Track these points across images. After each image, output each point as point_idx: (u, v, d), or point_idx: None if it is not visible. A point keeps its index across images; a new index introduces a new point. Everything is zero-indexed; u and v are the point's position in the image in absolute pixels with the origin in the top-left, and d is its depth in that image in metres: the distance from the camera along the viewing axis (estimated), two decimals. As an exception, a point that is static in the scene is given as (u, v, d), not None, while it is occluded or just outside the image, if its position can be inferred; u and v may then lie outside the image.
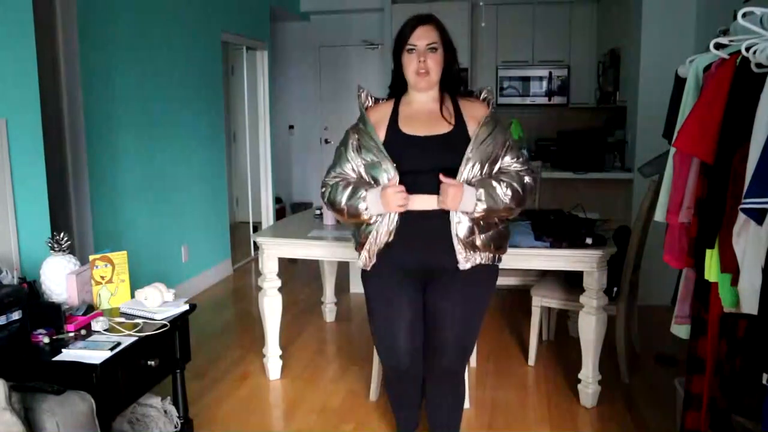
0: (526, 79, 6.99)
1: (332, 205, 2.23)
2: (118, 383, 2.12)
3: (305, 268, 5.57)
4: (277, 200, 7.08)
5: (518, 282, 4.66)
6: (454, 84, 2.25)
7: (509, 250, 2.87)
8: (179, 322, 2.45)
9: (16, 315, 2.10)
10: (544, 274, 3.66)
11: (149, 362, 2.26)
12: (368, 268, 2.26)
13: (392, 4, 6.72)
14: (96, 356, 2.04)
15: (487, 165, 2.13)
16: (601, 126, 6.36)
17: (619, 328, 3.29)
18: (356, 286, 4.70)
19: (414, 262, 2.21)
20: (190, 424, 2.67)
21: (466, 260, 2.16)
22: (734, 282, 1.82)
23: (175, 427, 2.54)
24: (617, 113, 5.77)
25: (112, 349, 2.08)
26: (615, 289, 3.21)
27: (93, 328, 2.26)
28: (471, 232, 2.13)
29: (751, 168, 1.69)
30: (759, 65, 1.80)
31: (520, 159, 2.21)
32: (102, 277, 2.48)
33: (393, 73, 2.27)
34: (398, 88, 2.28)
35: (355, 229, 2.31)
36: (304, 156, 7.89)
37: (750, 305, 1.74)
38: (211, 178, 5.25)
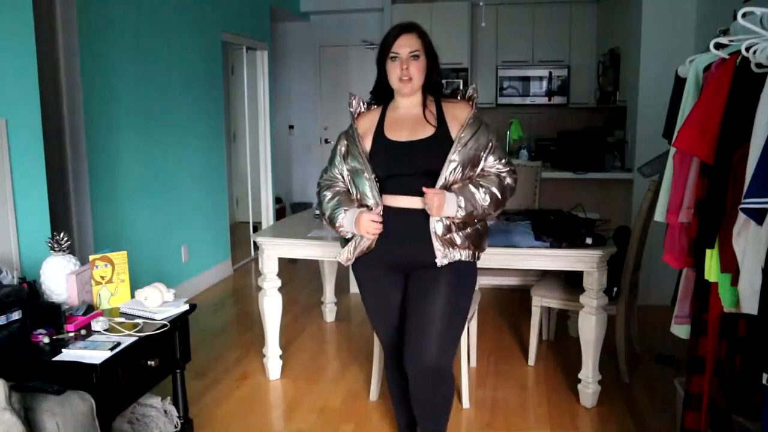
0: (526, 79, 6.99)
1: (320, 207, 2.42)
2: (118, 383, 2.12)
3: (305, 268, 5.57)
4: (277, 200, 7.08)
5: (518, 282, 4.68)
6: (435, 89, 2.34)
7: (510, 250, 2.90)
8: (179, 322, 2.45)
9: (16, 315, 2.10)
10: (544, 274, 3.66)
11: (149, 362, 2.26)
12: (348, 264, 2.39)
13: (392, 4, 6.72)
14: (96, 356, 2.04)
15: (469, 167, 2.23)
16: (601, 126, 6.37)
17: (619, 328, 3.29)
18: (356, 286, 4.69)
19: (394, 258, 2.30)
20: (190, 424, 2.67)
21: (443, 256, 2.23)
22: (734, 282, 1.82)
23: (175, 427, 2.54)
24: (617, 113, 5.77)
25: (112, 349, 2.08)
26: (615, 289, 3.21)
27: (93, 328, 2.26)
28: (448, 229, 2.23)
29: (751, 168, 1.70)
30: (759, 65, 1.80)
31: (503, 160, 2.31)
32: (102, 277, 2.48)
33: (377, 80, 2.36)
34: (385, 94, 2.37)
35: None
36: (304, 156, 7.90)
37: (750, 305, 1.74)
38: (211, 178, 5.25)
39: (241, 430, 2.91)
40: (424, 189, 2.16)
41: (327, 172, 2.42)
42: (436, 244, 2.22)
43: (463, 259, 2.26)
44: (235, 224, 6.99)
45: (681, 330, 2.26)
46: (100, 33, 3.78)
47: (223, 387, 3.32)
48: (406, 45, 2.24)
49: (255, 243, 3.55)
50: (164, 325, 2.33)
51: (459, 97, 2.35)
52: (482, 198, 2.22)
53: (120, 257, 2.53)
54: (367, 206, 2.27)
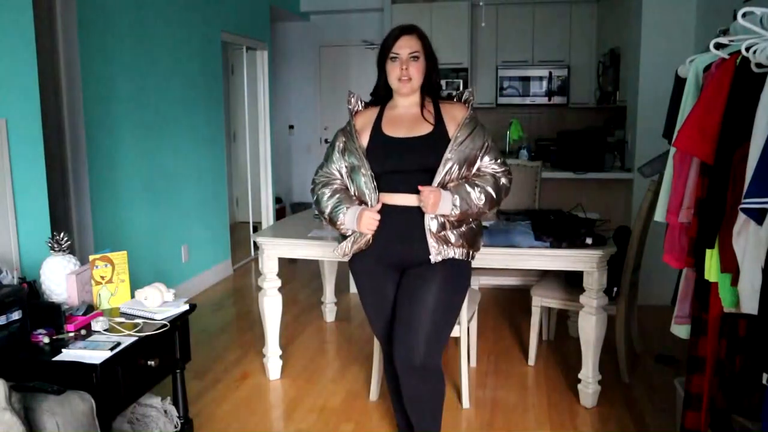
0: (526, 79, 6.99)
1: (317, 205, 2.41)
2: (118, 383, 2.12)
3: (305, 268, 5.57)
4: (277, 200, 7.08)
5: (518, 282, 4.67)
6: (434, 90, 2.37)
7: (510, 250, 2.90)
8: (179, 322, 2.45)
9: (16, 315, 2.10)
10: (544, 274, 3.66)
11: (149, 362, 2.26)
12: (345, 258, 2.41)
13: (392, 4, 6.72)
14: (96, 356, 2.04)
15: (465, 166, 2.25)
16: (601, 126, 6.36)
17: (619, 328, 3.29)
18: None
19: (390, 254, 2.31)
20: (190, 424, 2.68)
21: (437, 253, 2.26)
22: (734, 282, 1.82)
23: (175, 427, 2.54)
24: (617, 113, 5.76)
25: (112, 349, 2.08)
26: (615, 289, 3.21)
27: (93, 328, 2.26)
28: (443, 227, 2.25)
29: (751, 168, 1.70)
30: (759, 65, 1.80)
31: (498, 160, 2.34)
32: (102, 277, 2.48)
33: (377, 82, 2.40)
34: (384, 94, 2.40)
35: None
36: (304, 156, 7.90)
37: (750, 305, 1.74)
38: (211, 178, 5.25)
39: (241, 430, 2.90)
40: (420, 186, 2.19)
41: (323, 168, 2.42)
42: (431, 241, 2.24)
43: (456, 257, 2.28)
44: (235, 224, 6.99)
45: (681, 330, 2.26)
46: (101, 33, 3.77)
47: (223, 387, 3.32)
48: (406, 46, 2.27)
49: (255, 243, 3.55)
50: (164, 325, 2.33)
51: (456, 100, 2.39)
52: (477, 197, 2.24)
53: (120, 257, 2.53)
54: (365, 203, 2.28)
